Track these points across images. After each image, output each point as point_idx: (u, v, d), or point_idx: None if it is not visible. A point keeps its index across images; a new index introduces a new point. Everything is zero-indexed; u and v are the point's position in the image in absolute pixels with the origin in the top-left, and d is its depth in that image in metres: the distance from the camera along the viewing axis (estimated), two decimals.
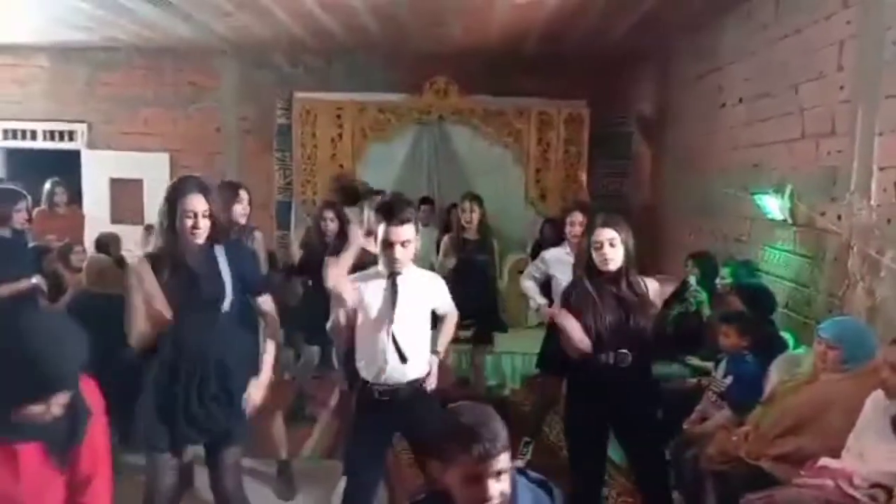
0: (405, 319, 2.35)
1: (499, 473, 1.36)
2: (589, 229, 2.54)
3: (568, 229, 3.61)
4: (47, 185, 5.51)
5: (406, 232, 2.28)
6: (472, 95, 6.25)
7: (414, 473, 3.26)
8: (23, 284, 3.60)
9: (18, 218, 3.74)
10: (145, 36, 5.83)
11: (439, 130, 6.39)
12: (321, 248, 4.33)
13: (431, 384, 2.47)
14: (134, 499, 2.46)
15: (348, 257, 2.98)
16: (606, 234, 2.44)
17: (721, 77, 4.74)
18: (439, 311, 2.54)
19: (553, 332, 3.66)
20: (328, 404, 4.79)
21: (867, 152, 2.91)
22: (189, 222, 2.25)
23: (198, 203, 2.27)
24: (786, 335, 3.53)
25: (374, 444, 2.45)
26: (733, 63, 4.51)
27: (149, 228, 5.53)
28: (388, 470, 2.84)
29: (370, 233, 3.11)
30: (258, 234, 3.75)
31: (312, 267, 4.38)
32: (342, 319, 2.45)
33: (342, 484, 3.34)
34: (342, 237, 4.36)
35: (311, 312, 4.33)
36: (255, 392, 2.43)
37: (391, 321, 2.33)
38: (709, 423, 3.06)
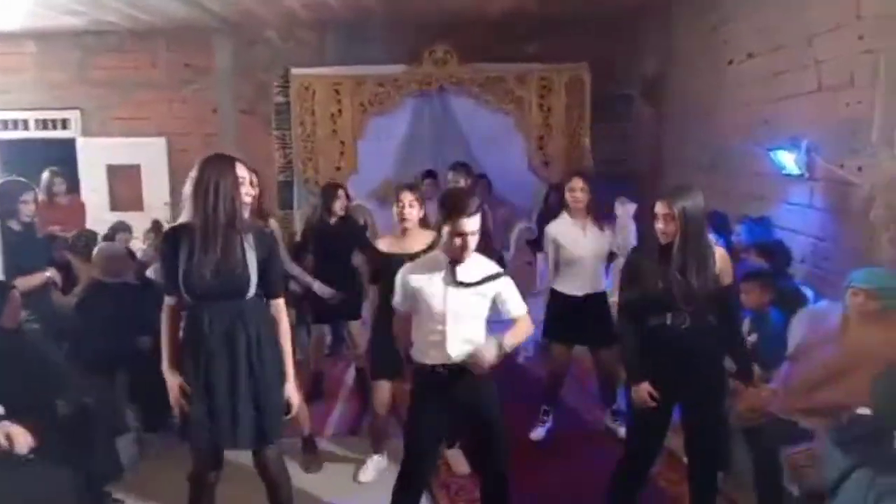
0: (463, 306, 2.34)
1: None
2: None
3: (568, 196, 3.58)
4: (45, 176, 5.40)
5: (475, 222, 2.29)
6: (472, 63, 6.15)
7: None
8: (37, 278, 3.55)
9: (25, 210, 3.66)
10: (136, 17, 5.69)
11: (440, 101, 6.29)
12: (324, 227, 4.30)
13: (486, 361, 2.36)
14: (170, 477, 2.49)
15: None
16: (660, 209, 2.45)
17: (727, 32, 4.66)
18: (506, 315, 2.45)
19: (553, 300, 3.69)
20: (344, 382, 4.82)
21: (891, 102, 2.88)
22: (243, 189, 2.25)
23: (244, 171, 2.28)
24: (805, 289, 3.54)
25: (435, 422, 2.46)
26: (740, 17, 4.44)
27: (156, 224, 5.47)
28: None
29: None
30: (273, 223, 3.59)
31: (315, 244, 4.36)
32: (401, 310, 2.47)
33: (369, 462, 3.41)
34: (347, 216, 4.35)
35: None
36: (293, 397, 2.42)
37: (449, 309, 2.33)
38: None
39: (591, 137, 6.32)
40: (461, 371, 2.36)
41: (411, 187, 3.20)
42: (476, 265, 2.39)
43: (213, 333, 2.24)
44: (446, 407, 2.42)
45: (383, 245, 3.13)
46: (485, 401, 2.44)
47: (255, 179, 3.34)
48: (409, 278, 2.40)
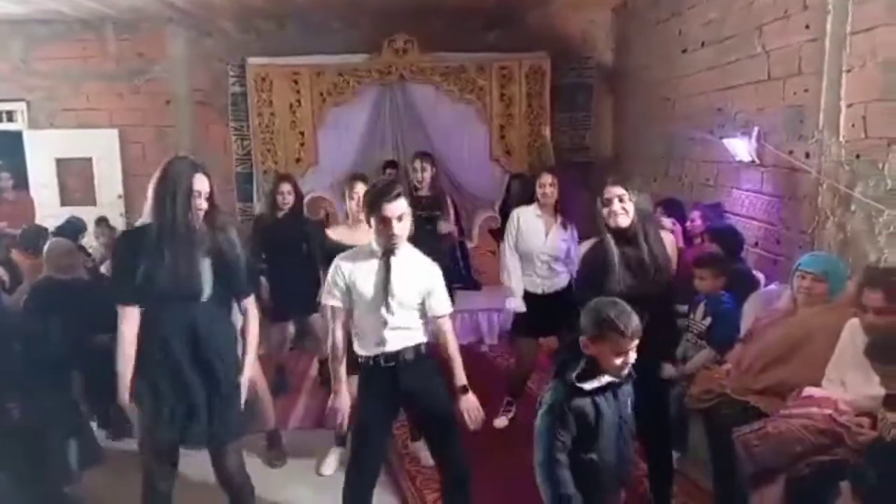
0: (400, 298, 2.34)
1: (630, 351, 1.92)
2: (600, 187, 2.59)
3: (538, 190, 3.63)
4: None
5: (400, 206, 2.27)
6: (432, 52, 6.12)
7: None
8: None
9: None
10: (84, 5, 5.49)
11: (401, 90, 6.25)
12: (274, 222, 4.25)
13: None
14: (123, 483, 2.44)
15: None
16: (616, 191, 2.48)
17: (681, 22, 4.74)
18: (430, 311, 2.41)
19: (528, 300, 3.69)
20: (308, 375, 4.79)
21: (835, 89, 2.97)
22: (196, 202, 2.20)
23: (203, 184, 2.23)
24: (757, 273, 3.64)
25: (382, 414, 2.47)
26: (694, 7, 4.52)
27: (101, 222, 5.33)
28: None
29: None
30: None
31: (266, 240, 4.30)
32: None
33: (331, 454, 3.39)
34: (297, 210, 4.30)
35: (271, 286, 4.27)
36: (245, 390, 2.40)
37: (386, 301, 2.32)
38: (690, 364, 3.16)
39: (551, 126, 6.37)
40: (403, 361, 2.37)
41: (364, 178, 3.19)
42: (410, 256, 2.39)
43: (171, 336, 2.22)
44: (391, 397, 2.43)
45: (334, 234, 3.12)
46: (430, 392, 2.43)
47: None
48: (343, 268, 2.38)
